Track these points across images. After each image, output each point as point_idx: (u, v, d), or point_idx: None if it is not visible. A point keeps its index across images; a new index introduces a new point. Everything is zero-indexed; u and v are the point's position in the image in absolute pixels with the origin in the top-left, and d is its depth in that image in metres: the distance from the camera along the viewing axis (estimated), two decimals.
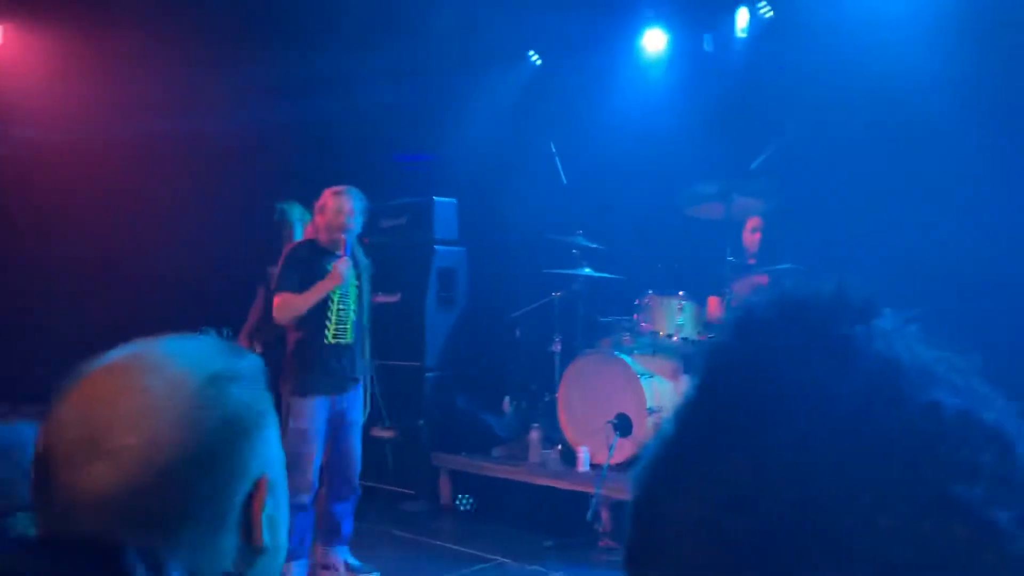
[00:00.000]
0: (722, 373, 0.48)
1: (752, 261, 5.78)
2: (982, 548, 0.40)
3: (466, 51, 7.15)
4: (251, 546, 0.86)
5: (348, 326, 4.65)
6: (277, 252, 5.00)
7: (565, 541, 5.19)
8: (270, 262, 5.32)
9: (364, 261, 4.79)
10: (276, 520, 0.89)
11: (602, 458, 5.24)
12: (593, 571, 4.88)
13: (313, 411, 4.50)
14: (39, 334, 6.54)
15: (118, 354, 0.86)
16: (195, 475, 0.81)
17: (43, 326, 6.66)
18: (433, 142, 7.46)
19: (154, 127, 6.98)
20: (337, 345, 4.61)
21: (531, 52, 7.58)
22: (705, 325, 5.73)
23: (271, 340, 5.73)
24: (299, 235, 5.42)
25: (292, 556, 4.34)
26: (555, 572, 4.82)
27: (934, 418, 0.42)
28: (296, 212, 5.59)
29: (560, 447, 5.92)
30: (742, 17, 6.50)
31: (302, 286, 4.51)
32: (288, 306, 4.52)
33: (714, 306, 5.79)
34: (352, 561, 4.81)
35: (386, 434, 6.46)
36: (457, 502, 6.09)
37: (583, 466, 5.59)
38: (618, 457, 5.20)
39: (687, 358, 5.66)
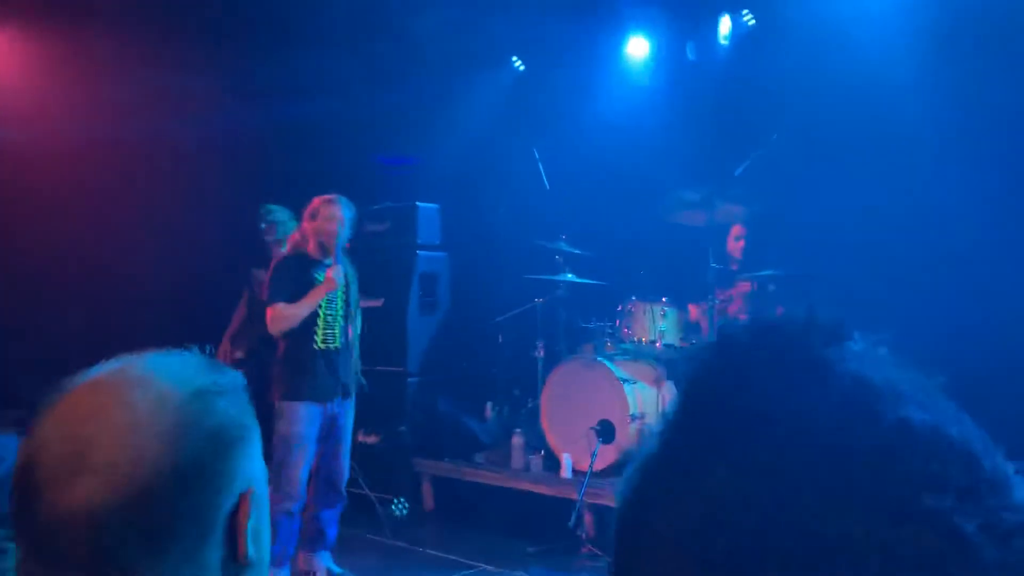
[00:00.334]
0: (703, 393, 0.51)
1: (735, 268, 5.81)
2: (951, 556, 0.41)
3: (450, 56, 7.15)
4: (236, 560, 0.86)
5: (336, 331, 4.66)
6: (261, 253, 4.97)
7: (547, 547, 5.19)
8: (254, 264, 5.28)
9: (351, 271, 4.80)
10: (260, 533, 0.89)
11: (585, 464, 5.25)
12: None
13: (305, 416, 4.50)
14: (21, 338, 6.49)
15: (102, 370, 0.86)
16: (181, 490, 0.81)
17: (25, 329, 6.60)
18: (416, 146, 7.46)
19: (137, 130, 6.94)
20: (327, 350, 4.62)
21: (514, 58, 7.59)
22: (687, 332, 5.75)
23: (254, 345, 5.70)
24: (285, 234, 5.36)
25: (276, 563, 4.33)
26: None
27: (905, 433, 0.44)
28: (282, 214, 5.55)
29: (543, 453, 5.92)
30: (725, 25, 6.54)
31: (293, 297, 4.52)
32: (282, 317, 4.53)
33: (696, 313, 5.81)
34: (334, 568, 4.79)
35: (369, 439, 6.44)
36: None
37: (566, 472, 5.60)
38: (601, 463, 5.20)
39: (669, 364, 5.68)
